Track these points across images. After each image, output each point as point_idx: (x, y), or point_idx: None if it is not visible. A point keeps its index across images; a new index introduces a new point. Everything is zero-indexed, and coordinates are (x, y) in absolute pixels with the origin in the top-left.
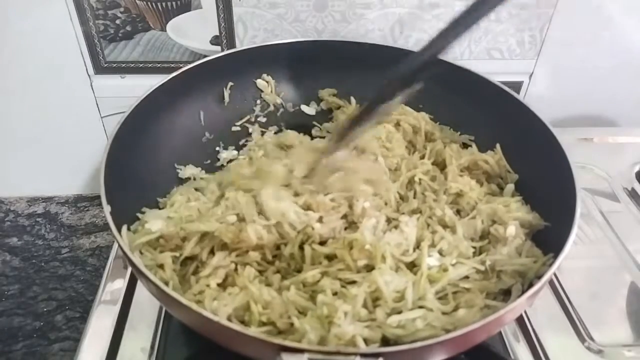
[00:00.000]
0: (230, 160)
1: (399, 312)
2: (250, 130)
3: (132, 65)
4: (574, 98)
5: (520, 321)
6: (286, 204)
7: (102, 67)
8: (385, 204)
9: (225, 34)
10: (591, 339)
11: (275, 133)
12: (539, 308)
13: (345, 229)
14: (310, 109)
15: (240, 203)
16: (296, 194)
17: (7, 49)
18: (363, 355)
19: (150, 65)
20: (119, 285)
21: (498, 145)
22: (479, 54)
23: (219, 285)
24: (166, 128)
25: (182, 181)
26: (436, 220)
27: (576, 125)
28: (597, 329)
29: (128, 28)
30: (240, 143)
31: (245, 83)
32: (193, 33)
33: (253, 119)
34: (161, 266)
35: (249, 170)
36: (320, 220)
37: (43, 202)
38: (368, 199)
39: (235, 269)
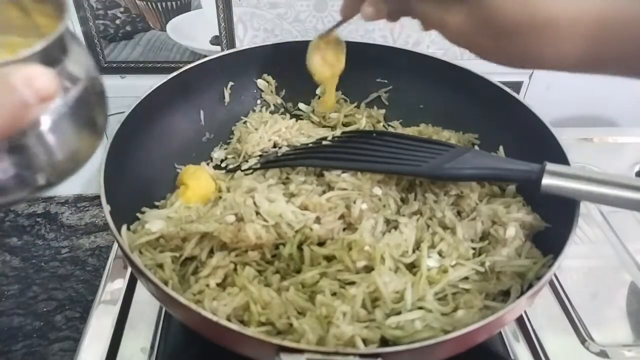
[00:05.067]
0: (222, 160)
1: (398, 313)
2: None
3: (132, 65)
4: (574, 98)
5: (520, 321)
6: (281, 205)
7: (102, 67)
8: (384, 206)
9: (225, 34)
10: (591, 339)
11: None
12: (539, 308)
13: (344, 230)
14: (308, 108)
15: (238, 203)
16: (292, 195)
17: None
18: (362, 355)
19: (150, 65)
20: (119, 285)
21: (501, 148)
22: None
23: (218, 285)
24: (166, 128)
25: None
26: (436, 222)
27: (576, 125)
28: (597, 329)
29: (128, 28)
30: None
31: (246, 83)
32: (193, 33)
33: None
34: (161, 266)
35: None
36: (317, 221)
37: (43, 202)
38: (366, 200)
39: (235, 269)
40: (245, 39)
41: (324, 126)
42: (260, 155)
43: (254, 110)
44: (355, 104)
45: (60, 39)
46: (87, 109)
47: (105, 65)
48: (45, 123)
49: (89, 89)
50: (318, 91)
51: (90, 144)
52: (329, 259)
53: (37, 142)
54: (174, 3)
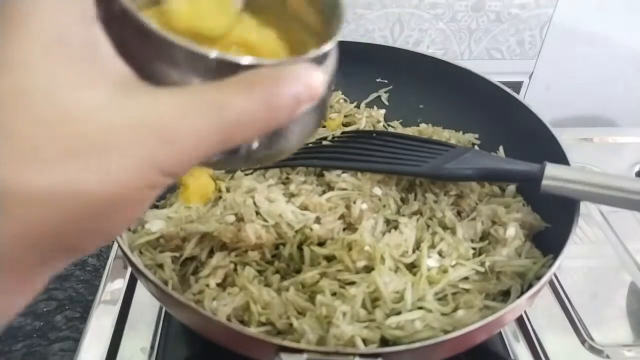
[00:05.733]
0: None
1: (398, 313)
2: None
3: None
4: (574, 98)
5: (520, 321)
6: (281, 205)
7: None
8: (384, 206)
9: None
10: (591, 339)
11: None
12: (539, 308)
13: (344, 230)
14: None
15: (238, 203)
16: (292, 195)
17: None
18: (362, 355)
19: None
20: (119, 285)
21: (501, 148)
22: (479, 54)
23: (218, 285)
24: None
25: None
26: (436, 222)
27: (576, 125)
28: (597, 329)
29: None
30: None
31: None
32: None
33: None
34: (161, 266)
35: None
36: (317, 221)
37: None
38: (366, 200)
39: (235, 269)
40: None
41: (324, 126)
42: None
43: None
44: (355, 103)
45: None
46: (324, 107)
47: None
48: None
49: (330, 86)
50: None
51: (311, 137)
52: (329, 259)
53: (279, 130)
54: None
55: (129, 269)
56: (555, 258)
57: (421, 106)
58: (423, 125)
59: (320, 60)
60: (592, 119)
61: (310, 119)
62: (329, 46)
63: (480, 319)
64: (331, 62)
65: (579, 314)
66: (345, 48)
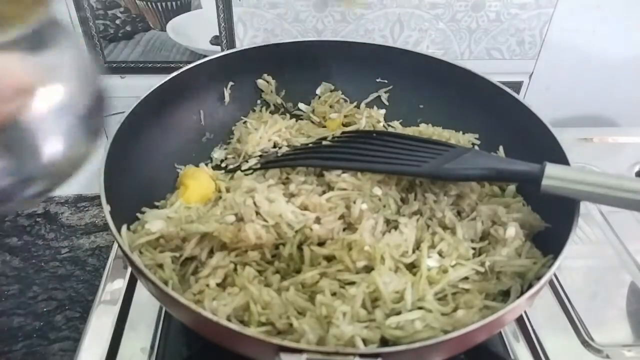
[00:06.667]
0: (222, 160)
1: (398, 313)
2: None
3: (132, 65)
4: (574, 98)
5: (520, 321)
6: (281, 205)
7: (102, 67)
8: (384, 206)
9: (225, 34)
10: (591, 339)
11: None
12: (539, 308)
13: (344, 230)
14: (308, 108)
15: (238, 203)
16: (292, 195)
17: None
18: (362, 355)
19: (150, 65)
20: (119, 285)
21: (501, 148)
22: (479, 54)
23: (218, 285)
24: (166, 128)
25: None
26: (436, 222)
27: (576, 125)
28: (597, 329)
29: (128, 28)
30: None
31: (245, 83)
32: (193, 33)
33: None
34: (161, 266)
35: None
36: (317, 221)
37: (43, 202)
38: (366, 200)
39: (235, 269)
40: (245, 39)
41: (324, 126)
42: (260, 156)
43: (254, 110)
44: (355, 103)
45: (43, 28)
46: (78, 111)
47: (105, 65)
48: (29, 122)
49: (82, 88)
50: (318, 91)
51: (83, 149)
52: (329, 259)
53: (19, 142)
54: (174, 3)
55: (129, 269)
56: (555, 258)
57: (421, 106)
58: (423, 125)
59: (21, 47)
60: (592, 119)
61: (58, 126)
62: (19, 31)
63: (480, 319)
64: (62, 56)
65: (579, 314)
66: (346, 48)
